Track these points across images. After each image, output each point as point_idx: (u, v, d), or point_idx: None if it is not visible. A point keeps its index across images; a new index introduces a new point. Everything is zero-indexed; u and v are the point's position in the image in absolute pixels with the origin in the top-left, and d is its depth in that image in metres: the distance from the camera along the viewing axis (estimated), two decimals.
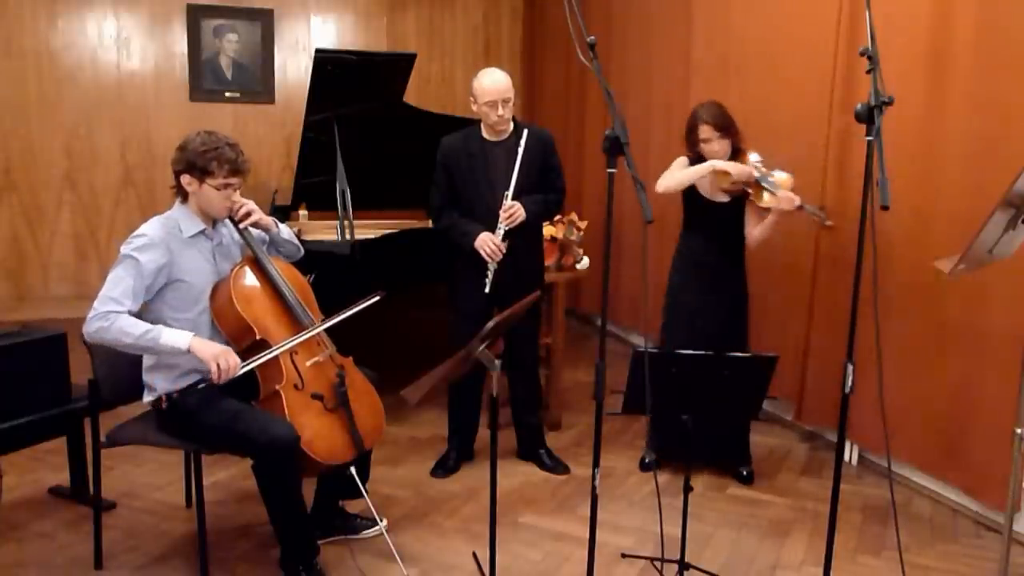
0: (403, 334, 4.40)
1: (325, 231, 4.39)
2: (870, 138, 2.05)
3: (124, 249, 2.44)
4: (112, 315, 2.36)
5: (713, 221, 3.30)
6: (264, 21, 6.36)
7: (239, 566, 2.73)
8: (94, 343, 2.43)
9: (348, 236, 3.96)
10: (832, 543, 2.30)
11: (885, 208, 1.97)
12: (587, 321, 6.23)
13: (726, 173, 3.17)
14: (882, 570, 2.76)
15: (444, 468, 3.50)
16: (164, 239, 2.48)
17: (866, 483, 3.46)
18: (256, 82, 6.41)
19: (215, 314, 2.55)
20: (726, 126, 3.19)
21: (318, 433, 2.50)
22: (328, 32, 6.61)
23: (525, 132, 3.25)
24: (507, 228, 3.23)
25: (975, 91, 2.96)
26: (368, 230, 4.13)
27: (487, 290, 3.25)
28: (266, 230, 2.72)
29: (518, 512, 3.16)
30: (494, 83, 3.19)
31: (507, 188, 3.23)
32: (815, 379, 3.77)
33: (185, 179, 2.52)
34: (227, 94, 6.34)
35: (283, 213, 4.46)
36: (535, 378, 3.64)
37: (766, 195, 3.14)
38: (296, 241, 2.85)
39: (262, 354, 2.48)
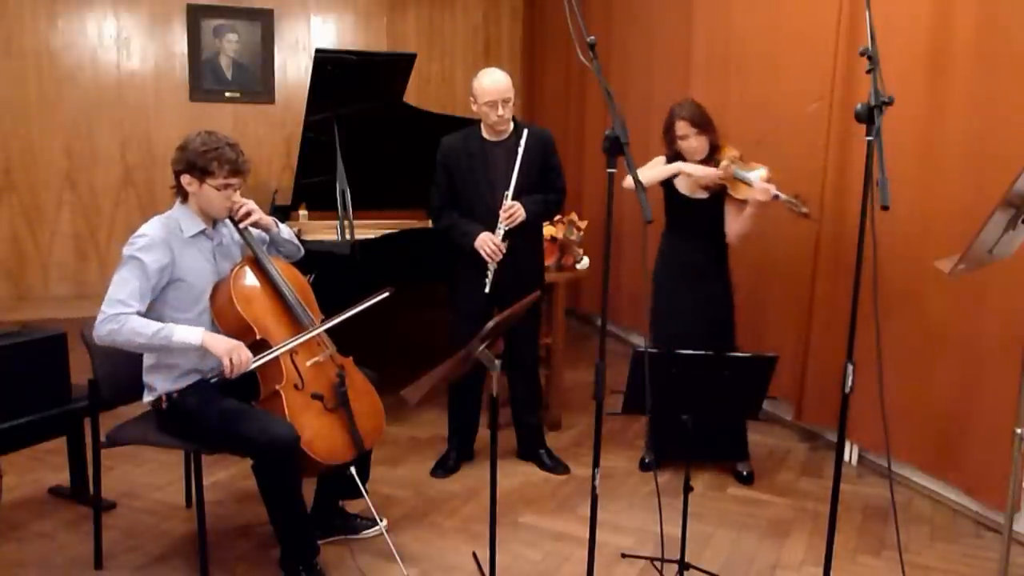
0: (403, 334, 4.40)
1: (325, 231, 4.39)
2: (870, 138, 2.05)
3: (127, 250, 2.44)
4: (122, 317, 2.37)
5: (694, 219, 3.30)
6: (264, 21, 6.36)
7: (239, 566, 2.73)
8: (105, 346, 2.43)
9: (348, 236, 3.96)
10: (832, 543, 2.30)
11: (885, 208, 1.97)
12: (587, 321, 6.23)
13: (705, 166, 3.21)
14: (882, 570, 2.76)
15: (444, 468, 3.50)
16: (165, 239, 2.48)
17: (866, 483, 3.46)
18: (256, 82, 6.41)
19: (215, 314, 2.55)
20: (703, 123, 3.20)
21: (318, 433, 2.50)
22: (328, 32, 6.61)
23: (525, 132, 3.25)
24: (507, 228, 3.23)
25: (975, 91, 2.96)
26: (368, 230, 4.13)
27: (487, 290, 3.25)
28: (266, 230, 2.72)
29: (518, 512, 3.16)
30: (494, 83, 3.19)
31: (507, 188, 3.23)
32: (815, 379, 3.77)
33: (185, 179, 2.52)
34: (227, 94, 6.35)
35: (283, 213, 4.46)
36: (535, 378, 3.64)
37: (743, 187, 3.15)
38: (296, 241, 2.86)
39: (273, 349, 2.49)
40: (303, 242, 2.98)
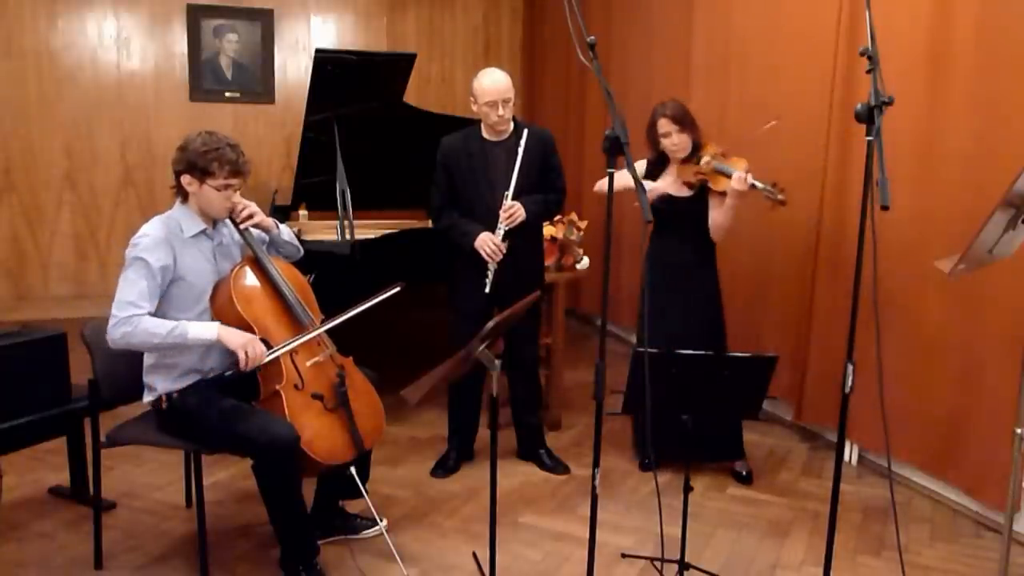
0: (403, 334, 4.40)
1: (325, 231, 4.39)
2: (870, 138, 2.05)
3: (131, 252, 2.44)
4: (134, 319, 2.38)
5: (678, 218, 3.30)
6: (264, 21, 6.36)
7: (239, 566, 2.73)
8: (119, 349, 2.44)
9: (348, 236, 3.96)
10: (832, 543, 2.30)
11: (885, 208, 1.97)
12: (587, 321, 6.23)
13: (685, 171, 3.25)
14: (882, 570, 2.76)
15: (444, 468, 3.50)
16: (167, 238, 2.49)
17: (866, 483, 3.46)
18: (256, 82, 6.41)
19: (215, 314, 2.55)
20: (684, 120, 3.24)
21: (318, 433, 2.51)
22: (328, 32, 6.61)
23: (525, 132, 3.25)
24: (507, 228, 3.23)
25: (975, 91, 2.96)
26: (368, 230, 4.13)
27: (487, 290, 3.25)
28: (267, 231, 2.73)
29: (518, 512, 3.16)
30: (494, 83, 3.19)
31: (507, 188, 3.23)
32: (815, 379, 3.76)
33: (185, 179, 2.52)
34: (227, 94, 6.35)
35: (283, 213, 4.46)
36: (535, 378, 3.64)
37: (723, 180, 3.19)
38: (296, 242, 2.86)
39: (287, 342, 2.52)
40: (303, 242, 2.98)
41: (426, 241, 3.96)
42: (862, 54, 2.09)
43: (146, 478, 3.38)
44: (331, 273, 3.50)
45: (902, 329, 3.22)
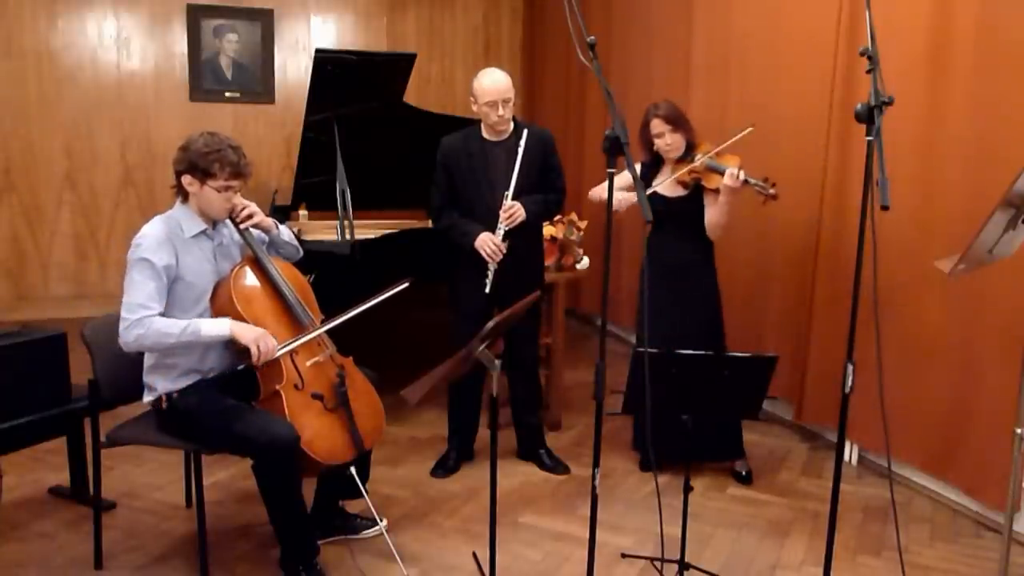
0: (403, 334, 4.40)
1: (325, 231, 4.39)
2: (870, 138, 2.05)
3: (134, 253, 2.44)
4: (146, 320, 2.39)
5: (674, 218, 3.30)
6: (264, 21, 6.36)
7: (239, 566, 2.73)
8: (133, 351, 2.46)
9: (348, 236, 3.96)
10: (832, 543, 2.30)
11: (885, 208, 1.97)
12: (587, 321, 6.23)
13: (679, 170, 3.25)
14: (882, 570, 2.76)
15: (444, 468, 3.50)
16: (168, 237, 2.49)
17: (866, 483, 3.46)
18: (256, 82, 6.41)
19: (215, 314, 2.55)
20: (677, 120, 3.24)
21: (318, 433, 2.51)
22: (328, 32, 6.61)
23: (525, 132, 3.25)
24: (507, 228, 3.23)
25: (975, 91, 2.96)
26: (368, 230, 4.13)
27: (487, 290, 3.25)
28: (266, 231, 2.73)
29: (518, 512, 3.16)
30: (494, 83, 3.19)
31: (507, 188, 3.23)
32: (815, 379, 3.76)
33: (186, 179, 2.52)
34: (227, 94, 6.34)
35: (283, 213, 4.46)
36: (535, 378, 3.64)
37: (716, 177, 3.20)
38: (295, 243, 2.86)
39: (299, 336, 2.54)
40: (303, 242, 2.98)
41: (426, 241, 3.96)
42: (862, 54, 2.09)
43: (146, 478, 3.38)
44: (331, 273, 3.50)
45: (902, 329, 3.22)
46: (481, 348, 2.24)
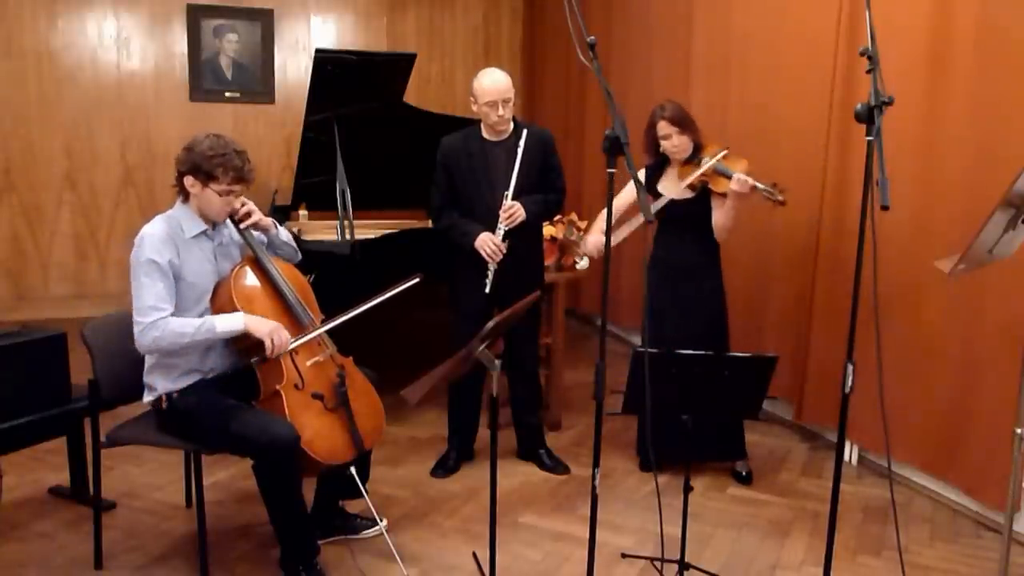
0: (403, 334, 4.40)
1: (325, 231, 4.39)
2: (870, 138, 2.05)
3: (139, 255, 2.44)
4: (160, 322, 2.39)
5: (681, 220, 3.29)
6: (264, 21, 6.36)
7: (239, 566, 2.73)
8: (150, 352, 2.47)
9: (348, 236, 3.96)
10: (832, 543, 2.30)
11: (885, 208, 1.97)
12: (587, 321, 6.23)
13: (686, 172, 3.23)
14: (882, 570, 2.76)
15: (444, 468, 3.49)
16: (170, 237, 2.49)
17: (866, 483, 3.46)
18: (256, 82, 6.41)
19: (216, 314, 2.55)
20: (684, 122, 3.22)
21: (318, 433, 2.51)
22: (328, 32, 6.61)
23: (525, 132, 3.25)
24: (507, 228, 3.23)
25: (975, 91, 2.96)
26: (368, 230, 4.13)
27: (487, 290, 3.25)
28: (265, 231, 2.73)
29: (518, 512, 3.16)
30: (494, 83, 3.19)
31: (507, 188, 3.23)
32: (815, 379, 3.76)
33: (188, 180, 2.52)
34: (227, 94, 6.34)
35: (283, 213, 4.46)
36: (535, 378, 3.64)
37: (723, 181, 3.18)
38: (294, 244, 2.86)
39: (305, 333, 2.56)
40: (303, 242, 2.98)
41: (426, 241, 3.96)
42: (862, 54, 2.09)
43: (146, 478, 3.38)
44: (331, 273, 3.50)
45: (902, 329, 3.22)
46: (481, 348, 2.24)
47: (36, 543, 2.84)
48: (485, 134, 3.32)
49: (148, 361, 2.58)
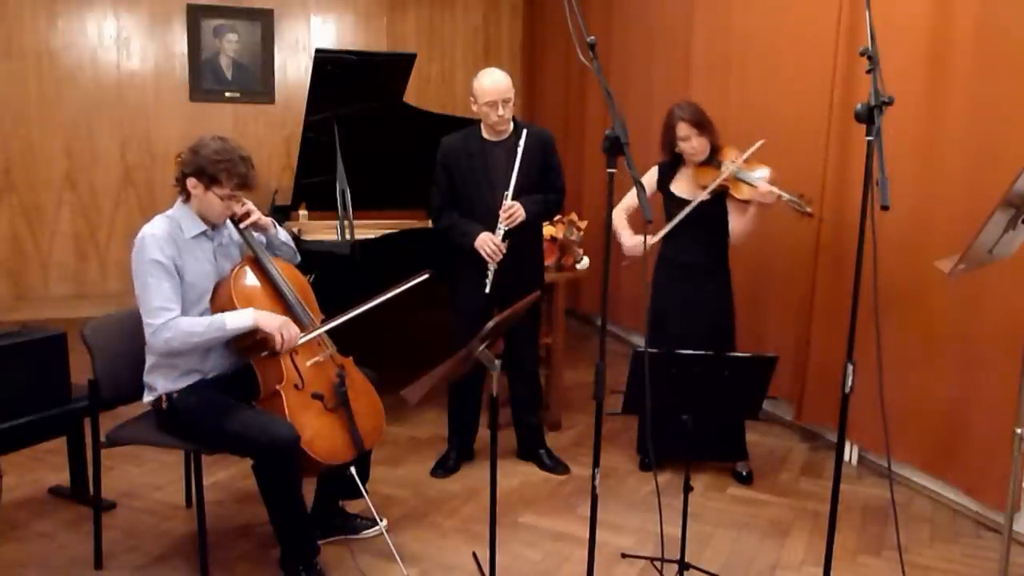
0: (403, 334, 4.40)
1: (325, 231, 4.39)
2: (870, 138, 2.05)
3: (142, 256, 2.44)
4: (171, 323, 2.40)
5: (695, 221, 3.28)
6: (264, 21, 6.36)
7: (239, 566, 2.73)
8: (164, 354, 2.48)
9: (348, 236, 3.96)
10: (832, 543, 2.30)
11: (885, 208, 1.97)
12: (587, 321, 6.23)
13: (703, 174, 3.21)
14: (882, 570, 2.76)
15: (444, 468, 3.50)
16: (171, 237, 2.49)
17: (866, 483, 3.46)
18: (256, 82, 6.41)
19: (215, 313, 2.55)
20: (703, 124, 3.20)
21: (318, 433, 2.51)
22: (328, 32, 6.61)
23: (525, 132, 3.25)
24: (507, 228, 3.23)
25: (975, 91, 2.96)
26: (368, 230, 4.13)
27: (487, 290, 3.25)
28: (264, 231, 2.73)
29: (518, 512, 3.16)
30: (494, 83, 3.19)
31: (507, 188, 3.23)
32: (815, 379, 3.77)
33: (191, 182, 2.52)
34: (227, 94, 6.34)
35: (283, 213, 4.46)
36: (535, 378, 3.64)
37: (745, 188, 3.15)
38: (293, 245, 2.86)
39: (322, 325, 2.57)
40: (303, 242, 2.98)
41: (426, 241, 3.96)
42: (862, 54, 2.09)
43: (146, 478, 3.38)
44: (331, 273, 3.50)
45: (902, 329, 3.22)
46: (481, 348, 2.24)
47: (36, 543, 2.84)
48: (485, 134, 3.32)
49: (148, 361, 2.58)
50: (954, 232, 2.95)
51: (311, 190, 4.41)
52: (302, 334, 2.52)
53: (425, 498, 3.27)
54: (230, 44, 6.30)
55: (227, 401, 2.50)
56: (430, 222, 3.88)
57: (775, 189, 3.07)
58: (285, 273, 2.69)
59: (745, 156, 3.16)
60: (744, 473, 3.44)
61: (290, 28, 6.48)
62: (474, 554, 2.80)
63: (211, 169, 2.47)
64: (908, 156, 3.17)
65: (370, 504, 2.64)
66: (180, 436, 2.55)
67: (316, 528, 2.72)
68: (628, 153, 2.08)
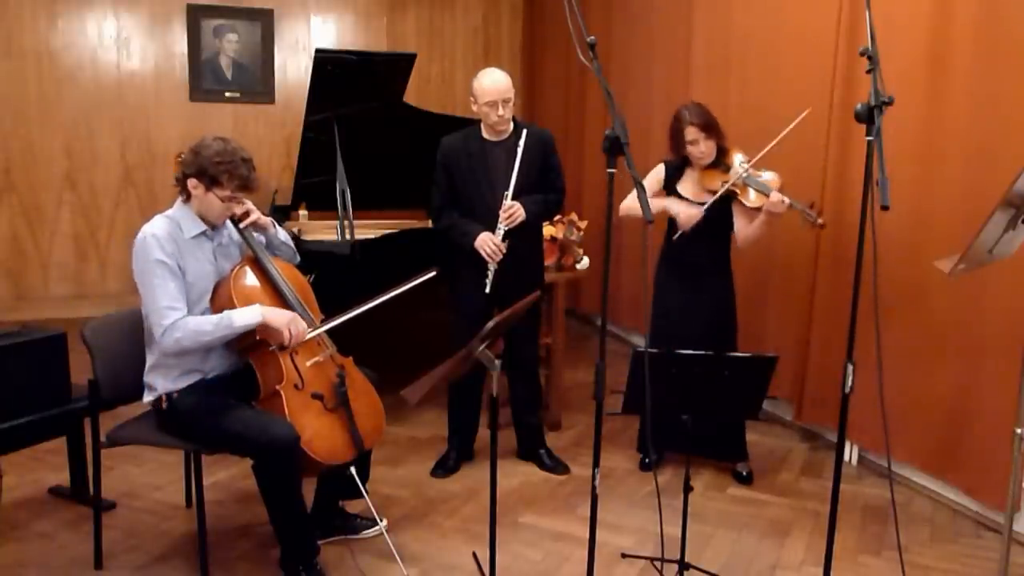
0: (403, 334, 4.40)
1: (325, 231, 4.39)
2: (870, 138, 2.05)
3: (144, 256, 2.43)
4: (179, 323, 2.40)
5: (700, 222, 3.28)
6: (264, 21, 6.36)
7: (239, 566, 2.73)
8: (174, 355, 2.48)
9: (348, 236, 3.96)
10: (832, 543, 2.30)
11: (885, 208, 1.97)
12: (587, 321, 6.23)
13: (710, 177, 3.20)
14: (882, 570, 2.76)
15: (444, 468, 3.50)
16: (171, 236, 2.49)
17: (866, 483, 3.46)
18: (256, 82, 6.41)
19: (215, 313, 2.55)
20: (711, 127, 3.19)
21: (318, 433, 2.51)
22: (328, 32, 6.61)
23: (524, 132, 3.25)
24: (507, 228, 3.23)
25: (975, 91, 2.96)
26: (368, 230, 4.13)
27: (487, 290, 3.25)
28: (263, 230, 2.73)
29: (518, 512, 3.16)
30: (494, 83, 3.19)
31: (507, 188, 3.23)
32: (815, 379, 3.77)
33: (192, 183, 2.52)
34: (227, 94, 6.34)
35: (283, 213, 4.46)
36: (535, 378, 3.64)
37: (753, 194, 3.14)
38: (292, 245, 2.86)
39: (329, 321, 2.59)
40: (303, 242, 2.98)
41: (426, 241, 3.96)
42: (862, 54, 2.09)
43: (146, 478, 3.38)
44: (331, 273, 3.50)
45: (902, 329, 3.22)
46: (481, 348, 2.24)
47: (36, 543, 2.84)
48: (485, 134, 3.32)
49: (148, 361, 2.58)
50: (954, 232, 2.95)
51: (311, 190, 4.41)
52: (309, 330, 2.52)
53: (425, 498, 3.27)
54: (230, 44, 6.30)
55: (227, 401, 2.51)
56: (430, 222, 3.88)
57: (786, 199, 3.06)
58: (285, 273, 2.69)
59: (754, 160, 3.15)
60: (744, 473, 3.44)
61: (290, 28, 6.48)
62: (474, 554, 2.80)
63: (212, 170, 2.47)
64: (908, 156, 3.17)
65: (370, 504, 2.64)
66: (180, 436, 2.55)
67: (316, 528, 2.72)
68: (628, 153, 2.07)
